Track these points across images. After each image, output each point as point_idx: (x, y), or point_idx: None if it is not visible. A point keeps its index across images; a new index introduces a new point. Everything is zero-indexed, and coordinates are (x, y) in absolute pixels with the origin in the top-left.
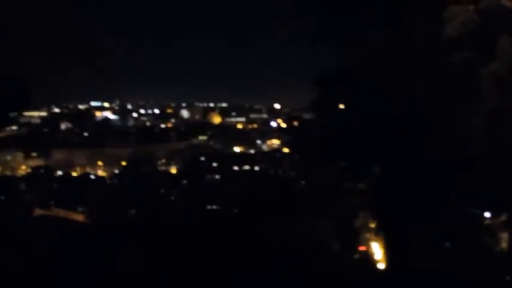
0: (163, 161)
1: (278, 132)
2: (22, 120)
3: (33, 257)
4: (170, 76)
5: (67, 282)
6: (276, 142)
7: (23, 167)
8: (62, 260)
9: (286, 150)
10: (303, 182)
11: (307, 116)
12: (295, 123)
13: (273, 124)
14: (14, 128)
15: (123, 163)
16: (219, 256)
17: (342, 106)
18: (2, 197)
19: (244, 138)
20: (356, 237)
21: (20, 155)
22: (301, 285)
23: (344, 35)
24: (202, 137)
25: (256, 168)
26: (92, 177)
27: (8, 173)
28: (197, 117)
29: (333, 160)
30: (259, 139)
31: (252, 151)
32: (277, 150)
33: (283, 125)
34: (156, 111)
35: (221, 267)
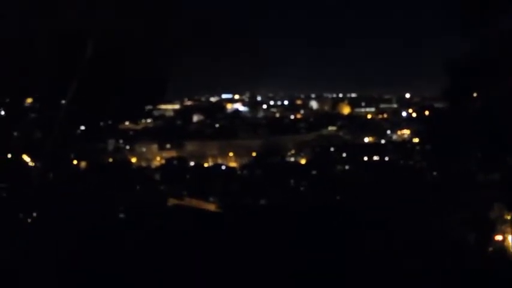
0: (293, 151)
1: (409, 122)
2: (156, 113)
3: (168, 245)
4: (299, 67)
5: (201, 270)
6: (406, 132)
7: (158, 158)
8: (195, 248)
9: (417, 140)
10: (434, 173)
11: (439, 105)
12: (427, 113)
13: (404, 114)
14: (149, 120)
15: (254, 154)
16: (352, 248)
17: (475, 94)
18: (139, 187)
19: (374, 128)
20: (491, 229)
21: (154, 147)
22: (437, 279)
23: (478, 18)
24: (331, 128)
25: (386, 158)
26: (223, 168)
27: (143, 164)
28: (326, 108)
29: (466, 150)
30: (389, 129)
31: (382, 141)
32: (408, 140)
33: (414, 115)
34: (286, 102)
35: (354, 259)
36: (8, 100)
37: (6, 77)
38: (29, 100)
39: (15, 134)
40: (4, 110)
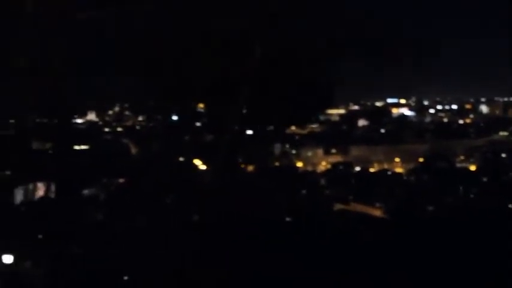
0: (462, 157)
1: None
2: (322, 117)
3: (334, 249)
4: (468, 71)
5: (367, 274)
6: None
7: (323, 163)
8: (361, 252)
9: None
10: None
11: None
12: None
13: None
14: (315, 125)
15: (420, 159)
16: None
17: None
18: (304, 192)
19: None
20: None
21: (320, 151)
22: None
23: None
24: (503, 133)
25: None
26: (389, 173)
27: (309, 168)
28: (497, 112)
29: None
30: None
31: None
32: None
33: None
34: (454, 107)
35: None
36: (180, 106)
37: (177, 82)
38: (201, 105)
39: (186, 138)
40: (177, 115)
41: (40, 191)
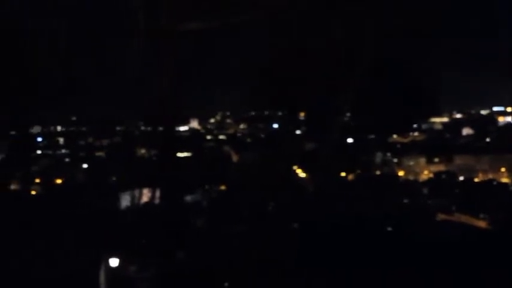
0: None
1: None
2: (424, 126)
3: (436, 260)
4: None
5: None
6: None
7: (426, 172)
8: (466, 265)
9: None
10: None
11: None
12: None
13: None
14: (417, 134)
15: None
16: None
17: None
18: (406, 200)
19: None
20: None
21: (422, 160)
22: None
23: None
24: None
25: None
26: (494, 183)
27: (410, 177)
28: None
29: None
30: None
31: None
32: None
33: None
34: None
35: None
36: (281, 113)
37: (279, 90)
38: (302, 113)
39: (287, 146)
40: (278, 124)
41: (145, 196)
